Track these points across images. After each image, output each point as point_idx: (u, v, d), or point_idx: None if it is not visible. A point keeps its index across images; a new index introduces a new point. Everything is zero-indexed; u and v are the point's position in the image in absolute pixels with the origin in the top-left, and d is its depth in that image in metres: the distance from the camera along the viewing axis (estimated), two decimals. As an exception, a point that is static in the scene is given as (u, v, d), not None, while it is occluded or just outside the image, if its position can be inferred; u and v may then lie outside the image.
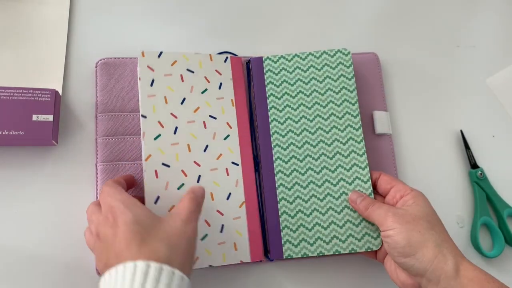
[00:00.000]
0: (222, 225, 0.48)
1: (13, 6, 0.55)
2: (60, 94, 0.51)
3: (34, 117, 0.47)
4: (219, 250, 0.47)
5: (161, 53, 0.51)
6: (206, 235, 0.47)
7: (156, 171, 0.47)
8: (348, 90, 0.53)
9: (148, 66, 0.50)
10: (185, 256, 0.37)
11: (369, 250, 0.48)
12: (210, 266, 0.46)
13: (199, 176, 0.49)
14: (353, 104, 0.53)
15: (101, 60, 0.53)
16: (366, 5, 0.62)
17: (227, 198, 0.49)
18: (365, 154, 0.51)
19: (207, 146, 0.50)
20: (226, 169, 0.50)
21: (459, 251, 0.42)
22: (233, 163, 0.50)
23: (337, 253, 0.48)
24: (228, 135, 0.51)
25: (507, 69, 0.62)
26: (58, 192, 0.49)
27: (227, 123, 0.51)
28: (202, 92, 0.51)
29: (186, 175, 0.48)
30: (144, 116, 0.48)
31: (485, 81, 0.61)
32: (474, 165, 0.56)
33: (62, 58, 0.53)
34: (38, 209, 0.48)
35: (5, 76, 0.52)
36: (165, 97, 0.50)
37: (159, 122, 0.49)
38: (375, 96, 0.57)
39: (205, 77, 0.52)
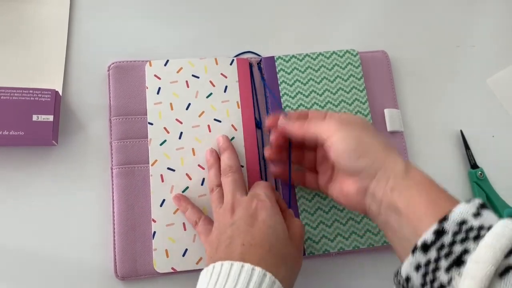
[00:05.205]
0: None
1: (13, 6, 0.55)
2: (60, 94, 0.51)
3: (34, 117, 0.47)
4: None
5: (167, 61, 0.53)
6: None
7: (162, 176, 0.49)
8: (358, 90, 0.55)
9: (155, 75, 0.52)
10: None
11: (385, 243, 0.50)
12: None
13: (203, 179, 0.50)
14: (364, 103, 0.54)
15: (113, 63, 0.53)
16: (365, 5, 0.62)
17: None
18: None
19: None
20: None
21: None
22: None
23: (356, 248, 0.49)
24: (233, 137, 0.51)
25: (507, 69, 0.62)
26: (58, 192, 0.49)
27: (232, 125, 0.52)
28: (207, 97, 0.52)
29: (190, 179, 0.49)
30: (151, 123, 0.50)
31: (485, 81, 0.61)
32: (474, 165, 0.56)
33: (62, 58, 0.53)
34: (38, 209, 0.48)
35: (5, 76, 0.52)
36: (170, 104, 0.51)
37: (164, 128, 0.50)
38: (386, 94, 0.57)
39: (210, 81, 0.53)
